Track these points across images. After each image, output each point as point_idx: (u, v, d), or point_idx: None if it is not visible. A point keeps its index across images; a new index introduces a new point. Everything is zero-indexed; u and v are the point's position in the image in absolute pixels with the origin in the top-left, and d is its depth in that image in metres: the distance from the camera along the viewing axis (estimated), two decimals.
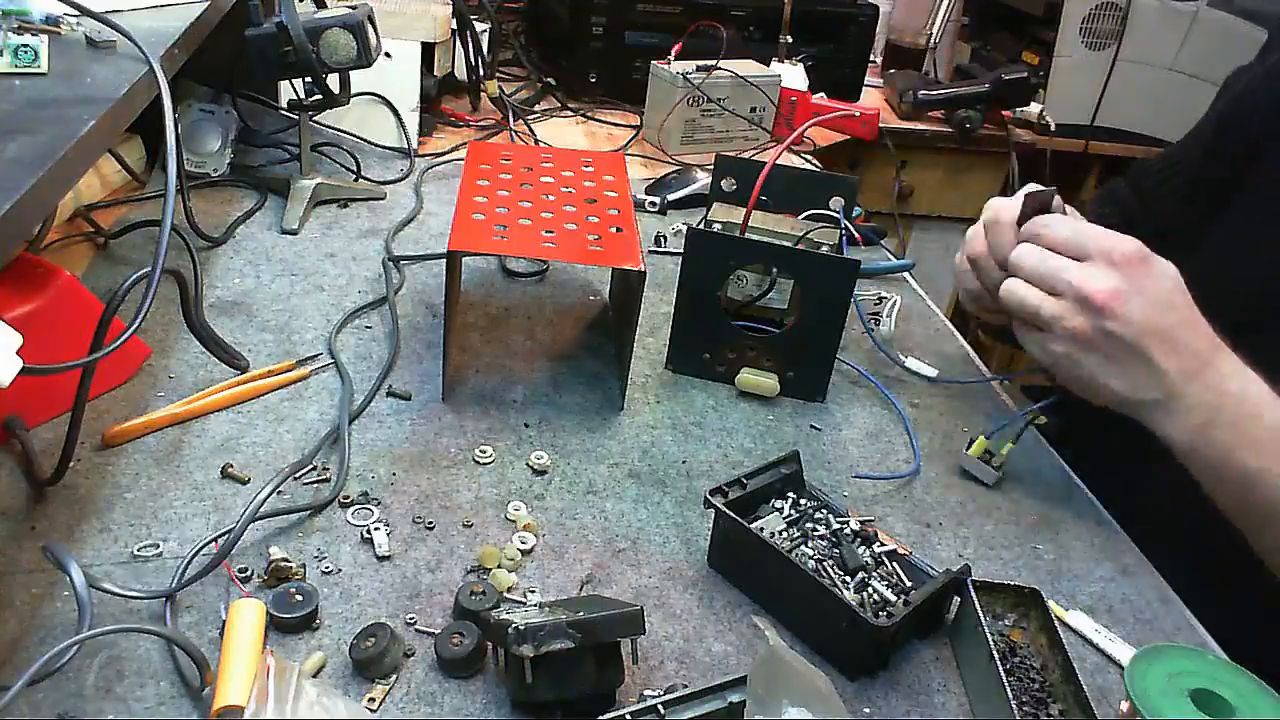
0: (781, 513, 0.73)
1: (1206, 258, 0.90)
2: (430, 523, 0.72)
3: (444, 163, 1.36)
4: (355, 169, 1.26)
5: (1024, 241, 0.76)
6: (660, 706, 0.54)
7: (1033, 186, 0.80)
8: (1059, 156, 1.95)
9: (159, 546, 0.67)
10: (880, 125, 1.79)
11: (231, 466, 0.75)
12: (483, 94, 1.52)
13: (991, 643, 0.62)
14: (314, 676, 0.59)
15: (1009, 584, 0.69)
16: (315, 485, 0.75)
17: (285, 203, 1.15)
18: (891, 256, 1.26)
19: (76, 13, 0.85)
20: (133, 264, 1.01)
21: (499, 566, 0.69)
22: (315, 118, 1.21)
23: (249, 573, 0.66)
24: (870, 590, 0.67)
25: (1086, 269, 0.71)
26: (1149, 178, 1.06)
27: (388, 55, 1.26)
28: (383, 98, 1.33)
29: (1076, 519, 0.82)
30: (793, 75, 1.61)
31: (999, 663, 0.61)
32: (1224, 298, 0.83)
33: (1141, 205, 1.06)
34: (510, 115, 1.50)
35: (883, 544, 0.71)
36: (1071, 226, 0.73)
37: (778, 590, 0.68)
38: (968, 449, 0.84)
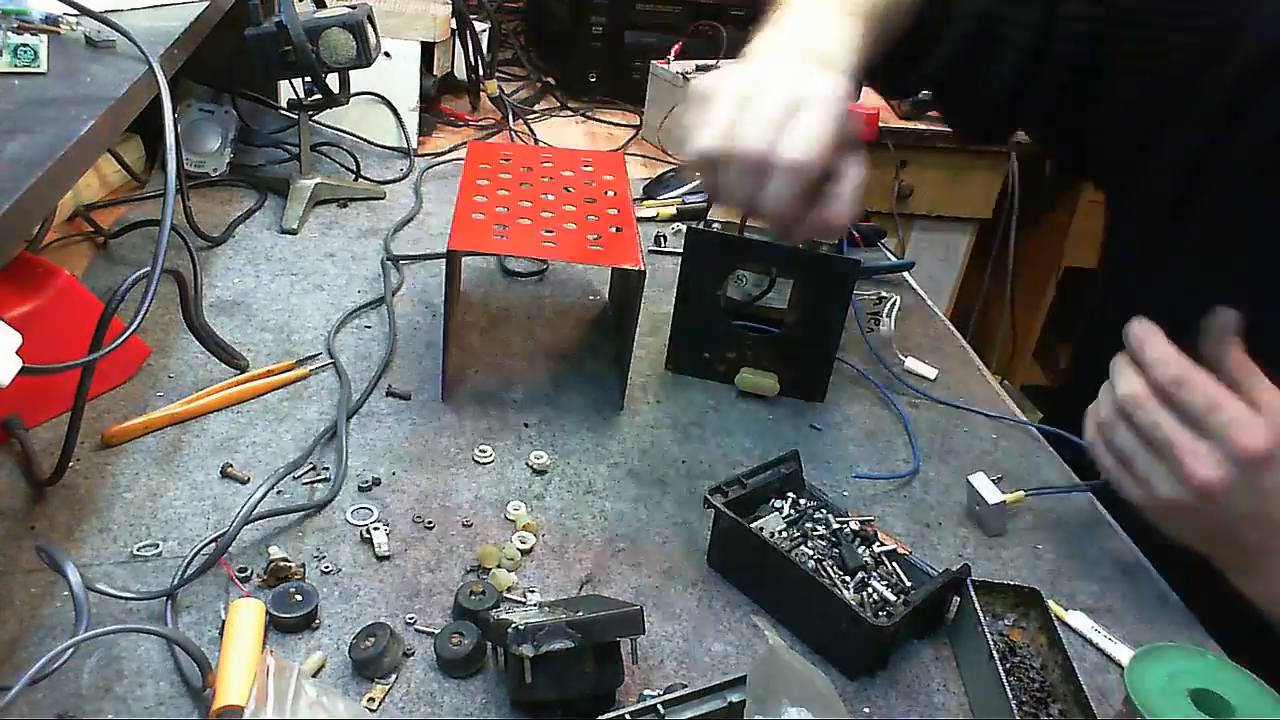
0: (781, 512, 0.73)
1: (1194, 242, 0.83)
2: (430, 522, 0.72)
3: (444, 162, 1.36)
4: (355, 169, 1.26)
5: (1151, 375, 0.67)
6: (660, 706, 0.54)
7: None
8: None
9: (158, 546, 0.67)
10: (880, 125, 1.79)
11: (231, 466, 0.75)
12: (482, 94, 1.51)
13: (991, 643, 0.62)
14: (314, 676, 0.59)
15: (1009, 584, 0.69)
16: (315, 485, 0.75)
17: (285, 202, 1.15)
18: (891, 256, 1.26)
19: (76, 12, 0.85)
20: (132, 264, 1.01)
21: (498, 566, 0.69)
22: (315, 117, 1.21)
23: (248, 572, 0.66)
24: (870, 590, 0.67)
25: (1196, 450, 0.64)
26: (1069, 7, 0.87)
27: (387, 55, 1.26)
28: (382, 97, 1.33)
29: (1076, 519, 0.82)
30: None
31: (999, 662, 0.61)
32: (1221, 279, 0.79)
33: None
34: (510, 115, 1.50)
35: (882, 544, 0.71)
36: (1207, 397, 0.64)
37: (777, 590, 0.68)
38: (1001, 498, 0.78)
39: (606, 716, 0.53)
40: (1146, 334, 0.68)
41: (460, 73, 1.51)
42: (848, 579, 0.67)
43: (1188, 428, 0.64)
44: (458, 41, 1.48)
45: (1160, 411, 0.66)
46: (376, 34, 1.09)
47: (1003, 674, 0.60)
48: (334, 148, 1.30)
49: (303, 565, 0.66)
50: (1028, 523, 0.80)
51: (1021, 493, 0.78)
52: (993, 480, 0.79)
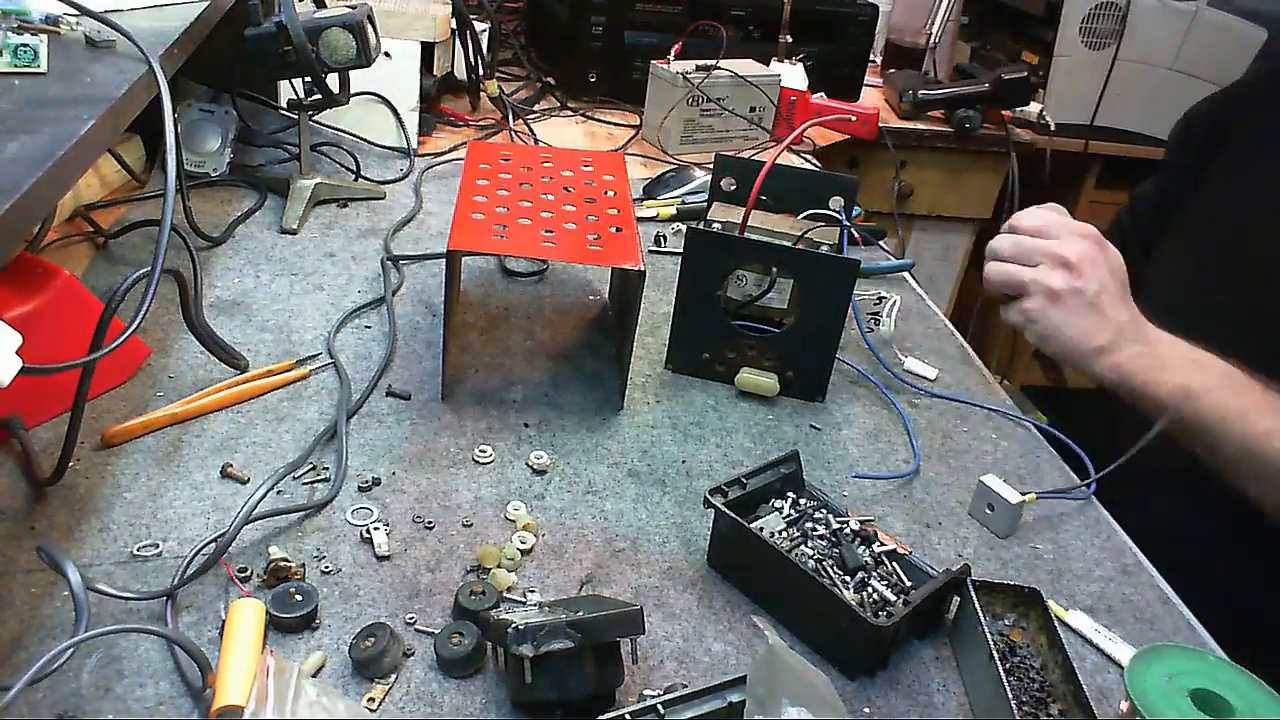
0: (781, 512, 0.73)
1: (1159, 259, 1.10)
2: (430, 522, 0.72)
3: (443, 162, 1.36)
4: (355, 169, 1.26)
5: (1002, 233, 0.91)
6: (660, 706, 0.54)
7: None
8: (1059, 156, 1.95)
9: (158, 546, 0.67)
10: (880, 125, 1.79)
11: (231, 466, 0.75)
12: (482, 94, 1.51)
13: (991, 642, 0.62)
14: (314, 676, 0.59)
15: (1009, 584, 0.69)
16: (315, 485, 0.75)
17: (285, 202, 1.15)
18: (891, 256, 1.26)
19: (76, 12, 0.85)
20: (132, 264, 1.01)
21: (498, 566, 0.69)
22: (315, 117, 1.21)
23: (248, 572, 0.66)
24: (870, 590, 0.67)
25: (1059, 241, 0.86)
26: (1136, 200, 1.22)
27: (387, 55, 1.26)
28: (382, 97, 1.33)
29: (1076, 519, 0.82)
30: (792, 75, 1.60)
31: (999, 662, 0.61)
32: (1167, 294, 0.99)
33: (1133, 224, 1.19)
34: (510, 115, 1.50)
35: (882, 544, 0.71)
36: (1041, 215, 0.89)
37: (778, 590, 0.68)
38: (1020, 498, 0.78)
39: (606, 716, 0.53)
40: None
41: (460, 73, 1.51)
42: (848, 579, 0.67)
43: (1046, 238, 0.87)
44: (458, 41, 1.48)
45: (1017, 237, 0.89)
46: (376, 34, 1.10)
47: (1002, 674, 0.60)
48: (334, 148, 1.30)
49: (303, 565, 0.66)
50: (1028, 523, 0.80)
51: (1034, 494, 0.78)
52: (1002, 480, 0.79)
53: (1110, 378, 0.86)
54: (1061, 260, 0.85)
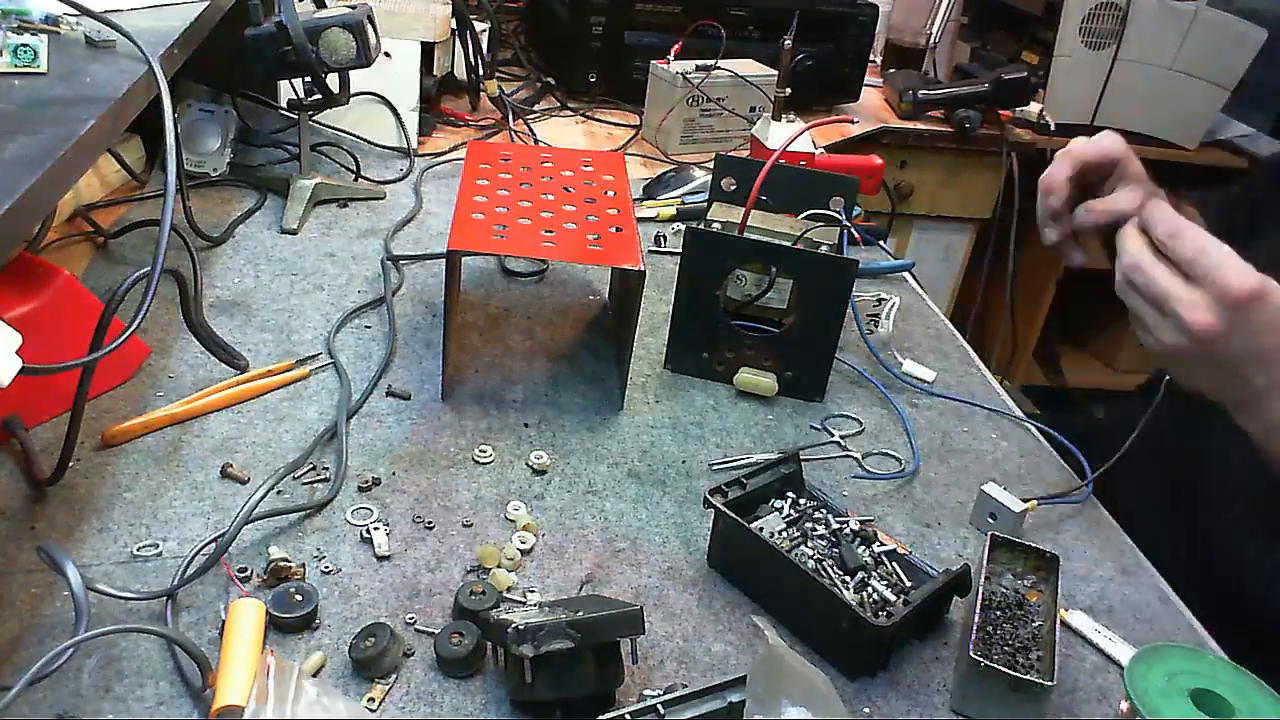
0: (781, 513, 0.73)
1: None
2: (430, 522, 0.72)
3: (443, 162, 1.36)
4: (355, 169, 1.26)
5: (1152, 235, 0.72)
6: (660, 706, 0.54)
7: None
8: None
9: (158, 546, 0.67)
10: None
11: (231, 466, 0.75)
12: (482, 94, 1.51)
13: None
14: (314, 676, 0.59)
15: (1032, 545, 0.70)
16: (315, 485, 0.75)
17: (285, 202, 1.15)
18: (891, 256, 1.26)
19: (76, 12, 0.85)
20: (132, 264, 1.01)
21: (499, 566, 0.69)
22: (315, 117, 1.21)
23: (248, 572, 0.66)
24: (870, 590, 0.67)
25: (1191, 299, 0.68)
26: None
27: (387, 55, 1.26)
28: (382, 98, 1.33)
29: (1076, 519, 0.82)
30: (790, 134, 1.48)
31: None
32: None
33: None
34: (510, 115, 1.50)
35: (882, 544, 0.71)
36: (1195, 243, 0.68)
37: (778, 590, 0.68)
38: (1023, 506, 0.78)
39: (606, 716, 0.53)
40: (1154, 205, 0.73)
41: (460, 73, 1.51)
42: (848, 579, 0.68)
43: (1180, 278, 0.69)
44: (458, 41, 1.48)
45: (1157, 268, 0.70)
46: (376, 34, 1.09)
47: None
48: (334, 148, 1.30)
49: (303, 565, 0.66)
50: (1028, 523, 0.80)
51: (1034, 501, 0.78)
52: (1002, 488, 0.79)
53: (1254, 437, 0.73)
54: (1185, 329, 0.68)
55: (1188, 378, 0.73)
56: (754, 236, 0.90)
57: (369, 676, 0.60)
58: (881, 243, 1.28)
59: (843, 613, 0.63)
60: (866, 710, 0.62)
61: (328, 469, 0.76)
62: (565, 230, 0.85)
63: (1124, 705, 0.58)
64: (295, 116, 1.18)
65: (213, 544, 0.65)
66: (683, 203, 1.28)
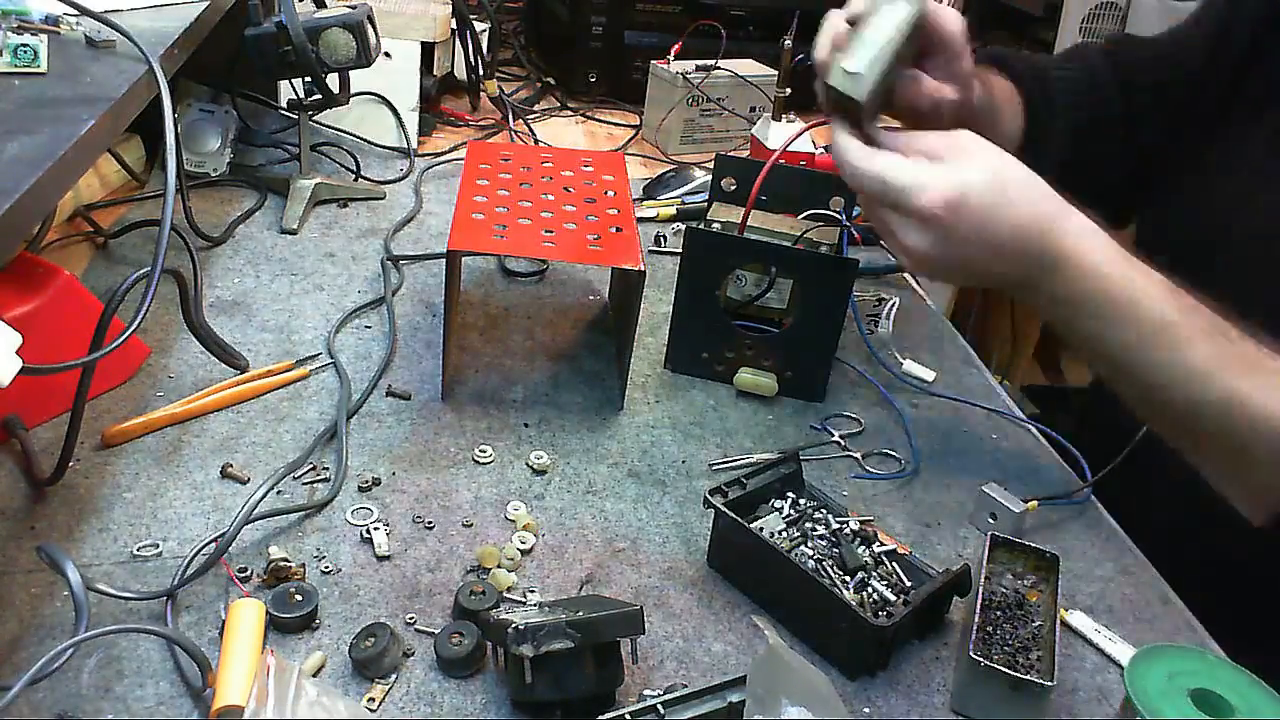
0: (781, 513, 0.73)
1: (1214, 180, 0.89)
2: (430, 522, 0.72)
3: (443, 162, 1.35)
4: (355, 169, 1.26)
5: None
6: (660, 706, 0.54)
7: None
8: None
9: (158, 546, 0.67)
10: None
11: (231, 466, 0.75)
12: (482, 94, 1.51)
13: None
14: (314, 676, 0.59)
15: (1032, 546, 0.70)
16: (315, 485, 0.75)
17: (285, 202, 1.15)
18: (891, 256, 1.26)
19: (76, 12, 0.85)
20: (132, 264, 1.01)
21: (499, 566, 0.69)
22: (315, 118, 1.21)
23: (248, 572, 0.66)
24: (870, 590, 0.67)
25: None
26: (1133, 57, 0.98)
27: (387, 55, 1.26)
28: (382, 98, 1.33)
29: (1076, 519, 0.82)
30: (788, 135, 1.49)
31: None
32: (1242, 226, 0.83)
33: (1117, 79, 0.97)
34: (510, 115, 1.50)
35: (882, 544, 0.71)
36: (876, 180, 0.66)
37: (778, 590, 0.68)
38: (1024, 506, 0.77)
39: (606, 716, 0.53)
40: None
41: (460, 73, 1.51)
42: (848, 579, 0.68)
43: (888, 207, 0.67)
44: (458, 41, 1.48)
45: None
46: (376, 34, 1.09)
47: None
48: (334, 148, 1.30)
49: (303, 565, 0.66)
50: (1028, 523, 0.80)
51: (1035, 502, 0.78)
52: (1003, 488, 0.79)
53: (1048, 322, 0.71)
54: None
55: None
56: (754, 236, 0.90)
57: (369, 676, 0.60)
58: (881, 243, 1.28)
59: (843, 613, 0.63)
60: (866, 710, 0.62)
61: (328, 469, 0.76)
62: (565, 230, 0.85)
63: (1124, 705, 0.58)
64: (295, 116, 1.18)
65: (213, 544, 0.65)
66: (683, 203, 1.28)
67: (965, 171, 0.65)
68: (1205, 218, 0.89)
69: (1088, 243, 0.67)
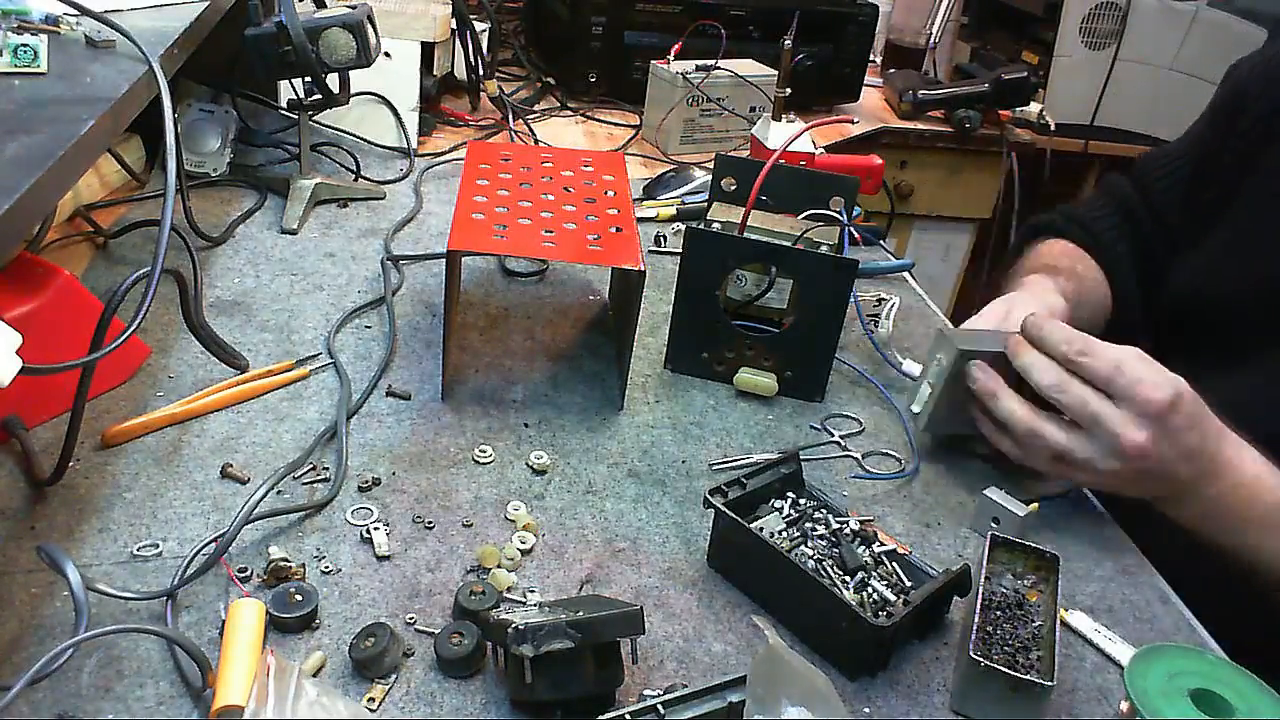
0: (781, 513, 0.73)
1: (1212, 255, 0.95)
2: (430, 522, 0.72)
3: (443, 162, 1.36)
4: (355, 169, 1.26)
5: (1056, 361, 0.74)
6: (660, 706, 0.54)
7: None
8: (1058, 156, 1.95)
9: (158, 546, 0.67)
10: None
11: (231, 466, 0.75)
12: (482, 94, 1.51)
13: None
14: (314, 676, 0.59)
15: (1032, 546, 0.70)
16: (315, 485, 0.75)
17: (285, 202, 1.15)
18: (891, 256, 1.26)
19: (76, 12, 0.85)
20: (132, 264, 1.01)
21: (499, 566, 0.69)
22: (315, 118, 1.21)
23: (249, 572, 0.66)
24: (870, 590, 0.67)
25: (1122, 419, 0.71)
26: (1152, 172, 1.07)
27: (387, 55, 1.26)
28: (382, 98, 1.33)
29: (1076, 519, 0.82)
30: (791, 135, 1.50)
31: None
32: (1231, 297, 0.86)
33: (1144, 200, 1.07)
34: (510, 115, 1.50)
35: (882, 544, 0.71)
36: (1109, 360, 0.71)
37: (778, 590, 0.68)
38: (1026, 509, 0.77)
39: (606, 716, 0.53)
40: (1041, 319, 0.76)
41: (460, 73, 1.51)
42: (848, 579, 0.67)
43: (1107, 399, 0.71)
44: (458, 41, 1.48)
45: (1084, 389, 0.72)
46: (376, 34, 1.10)
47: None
48: (334, 148, 1.30)
49: (303, 565, 0.66)
50: (1028, 524, 0.80)
51: (1036, 504, 0.78)
52: (1003, 492, 0.78)
53: (1185, 526, 0.76)
54: (1117, 450, 0.71)
55: (1124, 490, 0.75)
56: (754, 236, 0.90)
57: (369, 676, 0.60)
58: (881, 243, 1.28)
59: (843, 613, 0.63)
60: (866, 710, 0.62)
61: (328, 469, 0.76)
62: (565, 230, 0.85)
63: (1124, 705, 0.58)
64: (295, 116, 1.18)
65: (213, 544, 0.65)
66: (683, 203, 1.28)
67: (1169, 373, 0.71)
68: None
69: (1247, 453, 0.74)
